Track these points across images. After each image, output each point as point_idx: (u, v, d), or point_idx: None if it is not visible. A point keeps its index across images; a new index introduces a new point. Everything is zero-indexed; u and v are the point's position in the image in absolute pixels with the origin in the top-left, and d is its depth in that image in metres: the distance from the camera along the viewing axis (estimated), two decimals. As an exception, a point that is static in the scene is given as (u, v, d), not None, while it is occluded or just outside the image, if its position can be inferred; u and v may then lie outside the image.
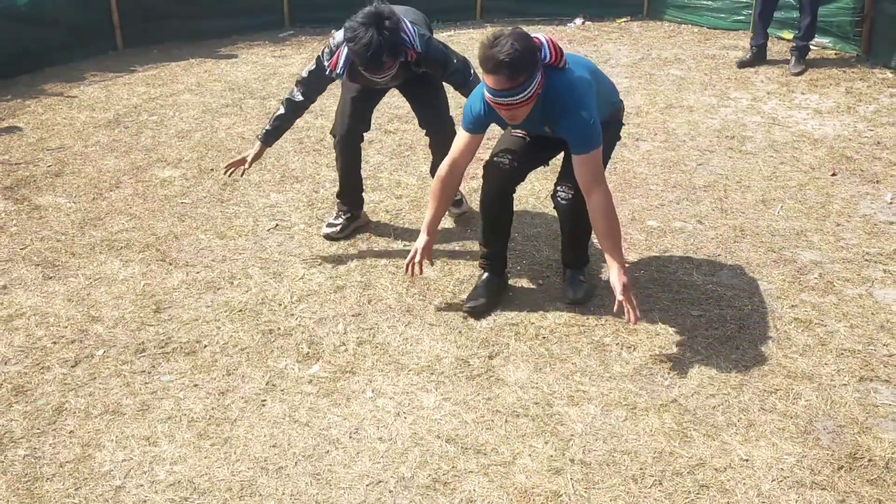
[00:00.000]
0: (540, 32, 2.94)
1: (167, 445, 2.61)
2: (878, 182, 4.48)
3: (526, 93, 2.79)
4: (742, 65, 6.64)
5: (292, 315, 3.31)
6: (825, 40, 7.26)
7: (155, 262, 3.72)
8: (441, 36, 8.17)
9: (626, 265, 3.12)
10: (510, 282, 3.50)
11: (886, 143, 5.04)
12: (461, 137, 3.14)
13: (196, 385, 2.90)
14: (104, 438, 2.64)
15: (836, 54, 7.05)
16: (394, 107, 5.92)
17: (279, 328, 3.22)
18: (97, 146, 5.16)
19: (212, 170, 4.77)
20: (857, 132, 5.25)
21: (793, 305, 3.31)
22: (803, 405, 2.73)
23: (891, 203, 4.22)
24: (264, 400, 2.81)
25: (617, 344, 3.09)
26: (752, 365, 2.95)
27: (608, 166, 3.38)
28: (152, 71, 6.81)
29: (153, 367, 2.99)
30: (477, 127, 3.10)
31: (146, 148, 5.12)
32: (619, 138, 3.42)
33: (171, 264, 3.71)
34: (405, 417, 2.71)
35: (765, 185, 4.47)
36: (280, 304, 3.38)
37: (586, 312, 3.27)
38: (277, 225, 4.09)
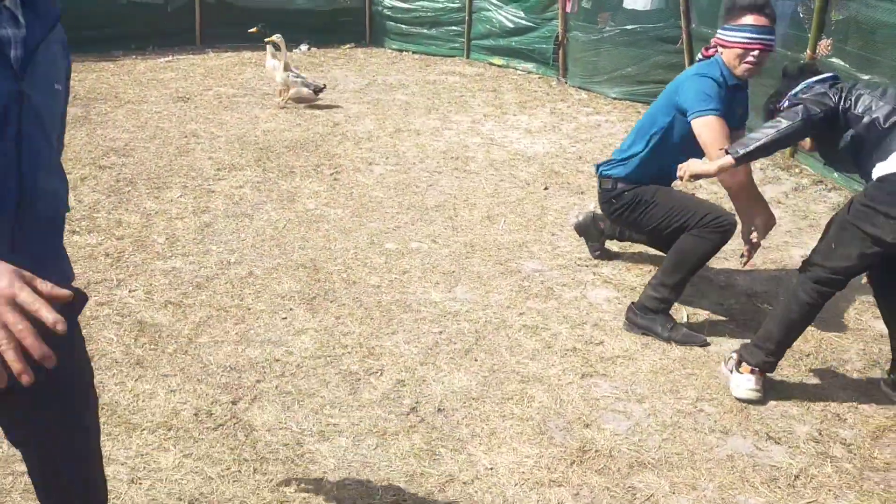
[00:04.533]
0: None
1: None
2: (582, 193, 5.00)
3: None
4: None
5: (-4, 384, 2.87)
6: (530, 66, 8.00)
7: None
8: (160, 61, 7.74)
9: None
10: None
11: (587, 157, 5.65)
12: (719, 125, 3.02)
13: None
14: None
15: (540, 78, 7.78)
16: (109, 139, 5.46)
17: (-21, 402, 2.78)
18: None
19: None
20: (563, 148, 5.83)
21: (521, 313, 3.56)
22: (537, 407, 2.93)
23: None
24: (-36, 490, 2.40)
25: (364, 371, 3.09)
26: (490, 374, 3.11)
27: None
28: None
29: None
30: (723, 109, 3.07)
31: None
32: None
33: None
34: (140, 483, 2.47)
35: (489, 202, 4.78)
36: (-21, 374, 2.92)
37: (332, 342, 3.24)
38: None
